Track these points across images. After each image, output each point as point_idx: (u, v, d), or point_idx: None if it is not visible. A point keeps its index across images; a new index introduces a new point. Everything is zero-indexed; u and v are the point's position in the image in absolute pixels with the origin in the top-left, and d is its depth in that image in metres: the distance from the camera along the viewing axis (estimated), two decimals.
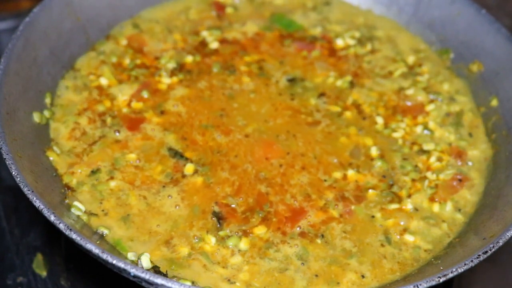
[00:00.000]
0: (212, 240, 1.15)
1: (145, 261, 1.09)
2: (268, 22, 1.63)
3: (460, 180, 1.31)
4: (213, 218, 1.19)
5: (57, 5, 1.40)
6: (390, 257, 1.17)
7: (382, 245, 1.19)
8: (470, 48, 1.52)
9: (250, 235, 1.17)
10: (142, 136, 1.32)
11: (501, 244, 1.06)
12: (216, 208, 1.20)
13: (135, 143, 1.30)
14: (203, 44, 1.55)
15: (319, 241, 1.18)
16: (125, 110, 1.36)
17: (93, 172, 1.24)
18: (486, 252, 1.04)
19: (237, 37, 1.57)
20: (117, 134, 1.31)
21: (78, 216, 1.15)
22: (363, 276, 1.14)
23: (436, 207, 1.26)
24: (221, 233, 1.17)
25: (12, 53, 1.24)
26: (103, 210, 1.18)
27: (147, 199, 1.21)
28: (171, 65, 1.47)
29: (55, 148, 1.26)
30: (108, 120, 1.34)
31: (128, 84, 1.41)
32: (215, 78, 1.46)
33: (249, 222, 1.19)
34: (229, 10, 1.65)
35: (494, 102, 1.42)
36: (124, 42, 1.51)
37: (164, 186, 1.23)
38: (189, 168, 1.26)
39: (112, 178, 1.24)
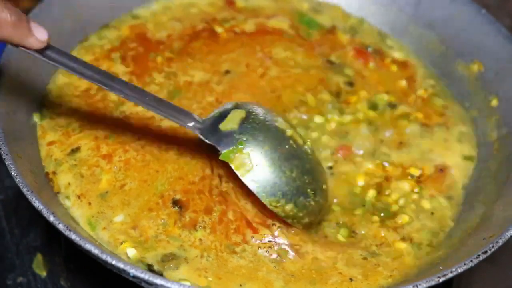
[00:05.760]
0: (178, 230, 1.13)
1: (131, 253, 1.09)
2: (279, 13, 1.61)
3: None
4: (174, 207, 1.15)
5: (57, 5, 1.40)
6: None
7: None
8: (470, 48, 1.52)
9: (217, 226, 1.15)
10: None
11: (500, 244, 1.06)
12: (178, 196, 1.16)
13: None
14: (212, 34, 1.52)
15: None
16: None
17: (73, 151, 1.22)
18: (486, 252, 1.04)
19: (247, 30, 1.54)
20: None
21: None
22: (351, 280, 1.12)
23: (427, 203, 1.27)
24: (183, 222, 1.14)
25: (12, 53, 1.24)
26: (80, 190, 1.17)
27: (123, 174, 1.19)
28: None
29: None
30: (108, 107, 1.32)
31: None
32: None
33: (211, 213, 1.16)
34: (240, 3, 1.62)
35: (494, 102, 1.42)
36: (126, 31, 1.50)
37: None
38: None
39: (93, 156, 1.21)
